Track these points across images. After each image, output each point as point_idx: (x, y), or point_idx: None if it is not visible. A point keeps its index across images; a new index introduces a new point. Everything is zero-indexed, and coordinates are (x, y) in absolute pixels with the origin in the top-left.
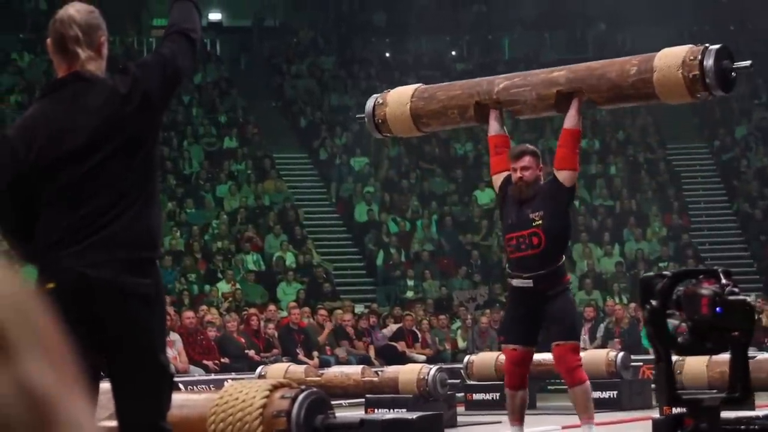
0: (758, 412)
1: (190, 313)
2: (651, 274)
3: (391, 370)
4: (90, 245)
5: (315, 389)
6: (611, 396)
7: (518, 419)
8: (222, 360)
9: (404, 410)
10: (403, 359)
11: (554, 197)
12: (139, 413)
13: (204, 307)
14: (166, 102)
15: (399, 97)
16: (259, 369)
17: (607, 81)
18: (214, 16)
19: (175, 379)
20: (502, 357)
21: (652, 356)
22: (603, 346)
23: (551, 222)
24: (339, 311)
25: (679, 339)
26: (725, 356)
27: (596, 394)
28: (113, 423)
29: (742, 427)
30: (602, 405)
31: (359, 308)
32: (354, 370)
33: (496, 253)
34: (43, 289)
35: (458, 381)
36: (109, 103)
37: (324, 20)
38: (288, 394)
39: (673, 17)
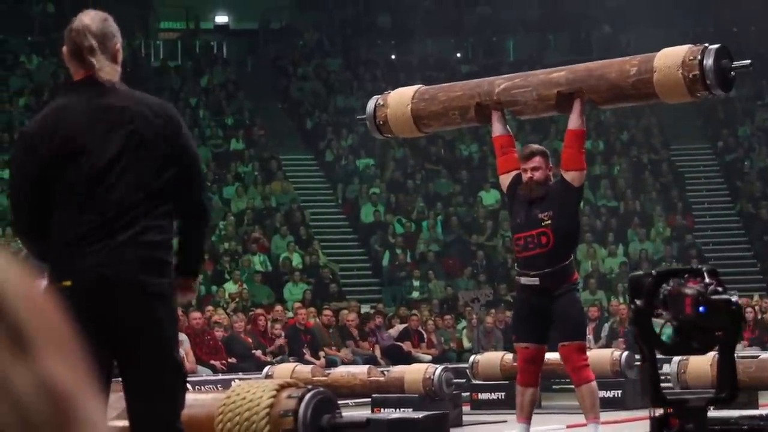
0: (759, 412)
1: (197, 314)
2: (640, 273)
3: (397, 370)
4: (109, 245)
5: (322, 389)
6: (615, 395)
7: (526, 417)
8: (229, 360)
9: (410, 410)
10: (408, 359)
11: (563, 197)
12: (156, 413)
13: (210, 307)
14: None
15: (400, 99)
16: (266, 369)
17: (606, 82)
18: (221, 18)
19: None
20: (507, 357)
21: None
22: (607, 345)
23: (560, 222)
24: (344, 311)
25: (663, 338)
26: None
27: (600, 394)
28: (122, 423)
29: (732, 427)
30: (607, 404)
31: (365, 308)
32: (360, 370)
33: (501, 254)
34: (58, 287)
35: (464, 380)
36: (130, 107)
37: (329, 22)
38: (295, 394)
39: (677, 19)
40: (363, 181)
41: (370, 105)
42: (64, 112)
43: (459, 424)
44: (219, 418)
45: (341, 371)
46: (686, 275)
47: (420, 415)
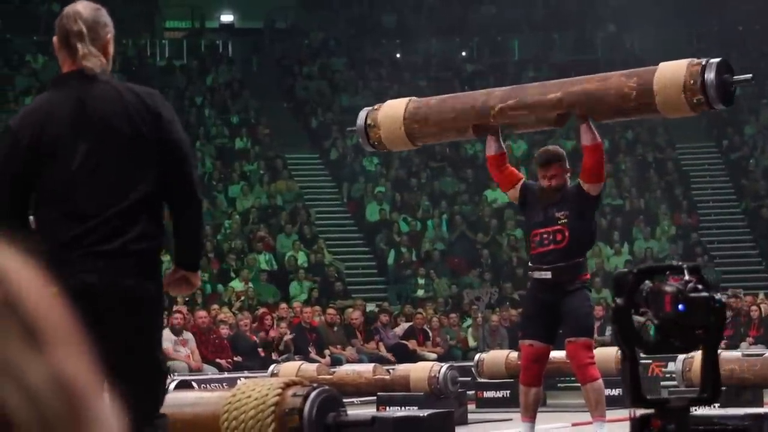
0: (763, 410)
1: (203, 313)
2: (624, 270)
3: (402, 368)
4: (92, 251)
5: (327, 387)
6: (621, 393)
7: (530, 416)
8: (234, 358)
9: (415, 408)
10: (414, 357)
11: (579, 202)
12: (137, 410)
13: (216, 306)
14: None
15: (391, 119)
16: (271, 367)
17: (606, 105)
18: (226, 17)
19: (189, 377)
20: (513, 355)
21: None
22: (612, 343)
23: (575, 222)
24: (350, 310)
25: (643, 336)
26: (736, 353)
27: (606, 392)
28: None
29: (716, 427)
30: (612, 402)
31: (370, 307)
32: (366, 368)
33: (506, 252)
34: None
35: (469, 379)
36: (113, 105)
37: (335, 22)
38: (300, 392)
39: (681, 18)
40: (368, 180)
41: (361, 117)
42: (50, 108)
43: (464, 422)
44: (224, 417)
45: (346, 369)
46: (667, 272)
47: (425, 413)
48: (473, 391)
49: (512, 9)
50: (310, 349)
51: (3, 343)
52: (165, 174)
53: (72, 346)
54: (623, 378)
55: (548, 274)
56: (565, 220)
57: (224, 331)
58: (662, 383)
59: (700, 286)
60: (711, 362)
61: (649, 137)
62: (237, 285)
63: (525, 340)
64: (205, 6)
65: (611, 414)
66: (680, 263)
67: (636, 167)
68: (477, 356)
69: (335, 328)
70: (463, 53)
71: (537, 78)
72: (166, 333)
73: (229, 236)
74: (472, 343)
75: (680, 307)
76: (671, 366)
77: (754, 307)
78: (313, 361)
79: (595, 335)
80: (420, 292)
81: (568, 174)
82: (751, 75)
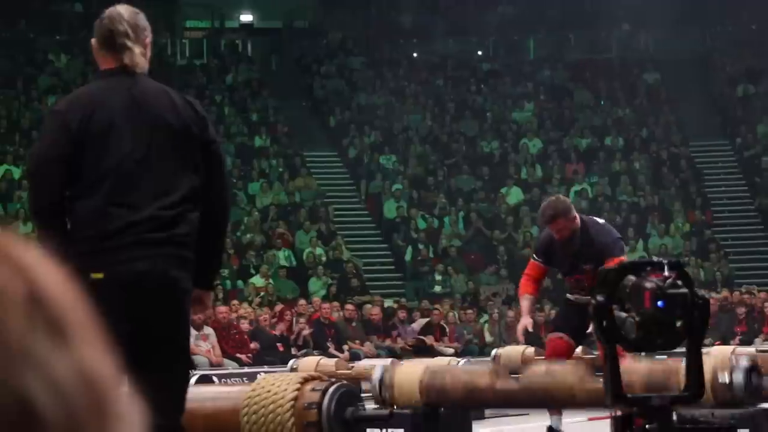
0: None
1: (223, 308)
2: (611, 266)
3: None
4: (142, 239)
5: (345, 382)
6: None
7: (558, 410)
8: (254, 348)
9: None
10: (431, 352)
11: (602, 260)
12: (166, 404)
13: (236, 301)
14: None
15: (407, 390)
16: (291, 362)
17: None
18: (246, 17)
19: (210, 372)
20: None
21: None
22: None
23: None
24: (368, 306)
25: (623, 333)
26: (750, 349)
27: None
28: None
29: (702, 426)
30: None
31: (388, 303)
32: (384, 364)
33: (521, 249)
34: (86, 279)
35: None
36: (164, 100)
37: (353, 22)
38: (319, 387)
39: (696, 17)
40: (386, 178)
41: (376, 378)
42: (100, 95)
43: (481, 417)
44: (245, 411)
45: (365, 364)
46: (648, 268)
47: (442, 407)
48: None
49: (528, 9)
50: (329, 344)
51: (29, 337)
52: (204, 174)
53: (96, 340)
54: (604, 376)
55: (587, 299)
56: (591, 267)
57: (244, 326)
58: None
59: (679, 282)
60: (695, 361)
61: (664, 135)
62: (257, 281)
63: (555, 333)
64: (224, 6)
65: None
66: (661, 259)
67: (650, 165)
68: (493, 351)
69: (354, 324)
70: (479, 52)
71: (553, 77)
72: None
73: (249, 233)
74: (488, 338)
75: (659, 303)
76: None
77: (767, 303)
78: (331, 356)
79: None
80: (437, 288)
81: (576, 219)
82: None
